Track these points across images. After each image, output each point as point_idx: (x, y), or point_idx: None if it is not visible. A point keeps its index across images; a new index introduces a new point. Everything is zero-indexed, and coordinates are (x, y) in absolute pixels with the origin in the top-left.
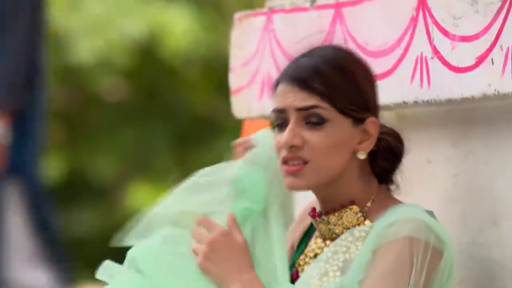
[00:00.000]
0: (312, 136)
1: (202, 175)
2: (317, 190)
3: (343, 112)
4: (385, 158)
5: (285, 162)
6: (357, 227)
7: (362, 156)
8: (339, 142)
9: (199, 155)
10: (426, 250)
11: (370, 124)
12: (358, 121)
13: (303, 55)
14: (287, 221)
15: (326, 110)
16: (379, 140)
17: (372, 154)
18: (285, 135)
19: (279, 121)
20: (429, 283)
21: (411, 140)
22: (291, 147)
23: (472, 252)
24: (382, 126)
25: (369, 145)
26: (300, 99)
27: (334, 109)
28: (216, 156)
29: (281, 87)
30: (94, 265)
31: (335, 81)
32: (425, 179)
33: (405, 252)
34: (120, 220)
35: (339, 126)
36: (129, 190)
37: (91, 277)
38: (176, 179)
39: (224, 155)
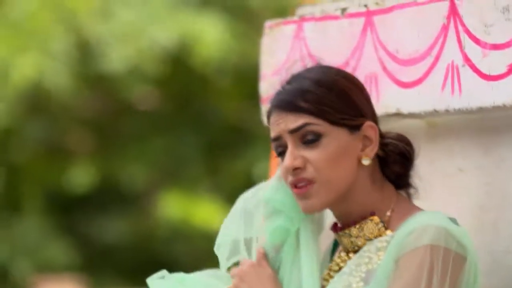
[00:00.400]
0: (312, 154)
1: (247, 199)
2: (332, 207)
3: (335, 123)
4: (396, 162)
5: (294, 186)
6: (379, 238)
7: (366, 162)
8: (339, 154)
9: (230, 163)
10: (448, 257)
11: (368, 129)
12: (354, 128)
13: (287, 82)
14: (319, 242)
15: (318, 125)
16: (385, 145)
17: (382, 161)
18: (285, 160)
19: (279, 149)
20: None
21: (443, 149)
22: (294, 170)
23: (505, 261)
24: (387, 133)
25: (372, 149)
26: (290, 122)
27: (326, 122)
28: (247, 164)
29: (272, 117)
30: (124, 272)
31: (320, 95)
32: (457, 187)
33: (426, 261)
34: (151, 228)
35: (336, 137)
36: (160, 199)
37: (122, 284)
38: (207, 187)
39: (255, 163)
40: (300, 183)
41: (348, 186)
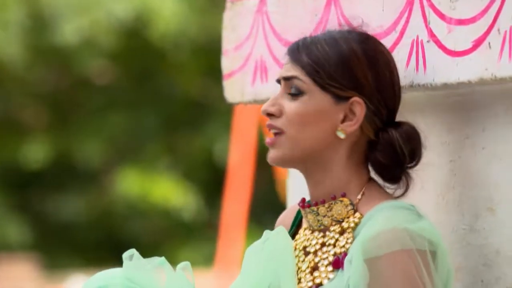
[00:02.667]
0: (289, 105)
1: (255, 253)
2: (304, 172)
3: (321, 86)
4: (382, 151)
5: (268, 132)
6: (346, 219)
7: (340, 134)
8: (314, 115)
9: (189, 140)
10: (421, 257)
11: (355, 104)
12: (340, 98)
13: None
14: None
15: (303, 82)
16: (384, 131)
17: (371, 145)
18: (265, 103)
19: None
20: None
21: None
22: (268, 115)
23: (469, 239)
24: (406, 124)
25: (351, 126)
26: (286, 69)
27: (313, 82)
28: (207, 141)
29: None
30: (81, 251)
31: (321, 55)
32: (421, 164)
33: (406, 268)
34: (108, 205)
35: (316, 99)
36: (117, 175)
37: (78, 262)
38: (166, 164)
39: (215, 140)
40: (270, 130)
41: (316, 149)
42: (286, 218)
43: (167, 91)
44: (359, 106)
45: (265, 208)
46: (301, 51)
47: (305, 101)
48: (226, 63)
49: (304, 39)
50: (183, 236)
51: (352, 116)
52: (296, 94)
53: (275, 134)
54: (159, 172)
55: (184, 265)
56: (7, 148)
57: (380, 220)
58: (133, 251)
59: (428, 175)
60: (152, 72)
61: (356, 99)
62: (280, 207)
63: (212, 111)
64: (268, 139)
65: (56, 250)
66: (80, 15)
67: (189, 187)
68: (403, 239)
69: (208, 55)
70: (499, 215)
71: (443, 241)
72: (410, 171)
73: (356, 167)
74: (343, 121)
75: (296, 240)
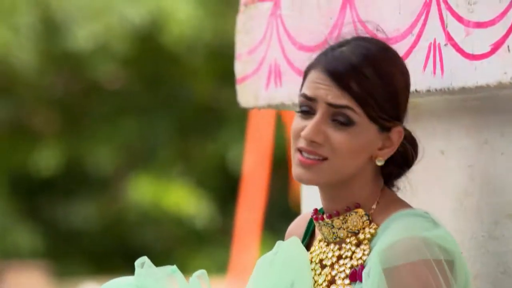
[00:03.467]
0: (336, 136)
1: (267, 263)
2: (326, 189)
3: (373, 119)
4: (397, 164)
5: (300, 152)
6: (362, 231)
7: (380, 162)
8: (361, 147)
9: (202, 146)
10: (438, 267)
11: (396, 133)
12: (385, 129)
13: (341, 45)
14: None
15: (357, 114)
16: (400, 145)
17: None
18: (309, 128)
19: (305, 107)
20: None
21: (424, 130)
22: (312, 142)
23: (488, 247)
24: (404, 129)
25: (389, 153)
26: (333, 94)
27: (365, 114)
28: (220, 147)
29: (315, 75)
30: (92, 258)
31: (373, 86)
32: (439, 170)
33: (425, 279)
34: (120, 212)
35: (365, 131)
36: (129, 182)
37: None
38: (179, 171)
39: (229, 146)
40: (310, 155)
41: (350, 176)
42: (297, 227)
43: (180, 96)
44: (398, 135)
45: (279, 215)
46: (348, 77)
47: (355, 132)
48: (240, 67)
49: (343, 57)
50: (195, 244)
51: (388, 142)
52: (345, 124)
53: (314, 159)
54: (171, 179)
55: (200, 273)
56: (18, 154)
57: (397, 229)
58: (144, 259)
59: (446, 180)
60: (165, 77)
61: (398, 129)
62: (294, 214)
63: (226, 116)
64: (304, 159)
65: (67, 257)
66: (92, 20)
67: (202, 194)
68: (420, 248)
69: (222, 59)
70: None
71: (462, 248)
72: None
73: (373, 180)
74: (380, 147)
75: (311, 253)
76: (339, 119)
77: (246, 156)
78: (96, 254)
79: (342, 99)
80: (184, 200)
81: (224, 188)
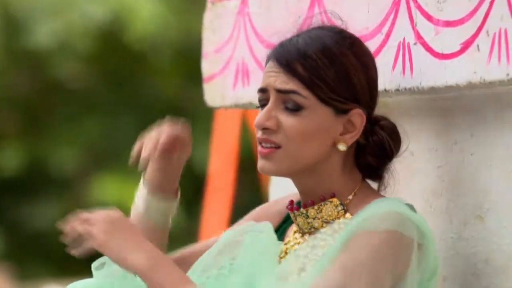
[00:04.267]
0: (287, 121)
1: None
2: (296, 179)
3: (323, 101)
4: (373, 154)
5: (259, 143)
6: (337, 221)
7: (342, 147)
8: (315, 131)
9: None
10: (408, 245)
11: (356, 116)
12: (341, 111)
13: (297, 35)
14: None
15: (304, 97)
16: (370, 133)
17: (360, 147)
18: (259, 116)
19: (262, 102)
20: (406, 279)
21: None
22: (264, 129)
23: (457, 248)
24: (383, 119)
25: (352, 137)
26: (280, 80)
27: (314, 97)
28: None
29: (267, 65)
30: (54, 261)
31: (320, 66)
32: (408, 171)
33: (383, 246)
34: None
35: (318, 114)
36: (94, 182)
37: (51, 273)
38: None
39: (195, 146)
40: (266, 144)
41: (315, 163)
42: (267, 215)
43: (145, 95)
44: (359, 117)
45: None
46: (295, 61)
47: (306, 116)
48: (206, 66)
49: (292, 44)
50: None
51: (351, 127)
52: (295, 109)
53: (270, 147)
54: (137, 179)
55: None
56: None
57: (378, 206)
58: (104, 259)
59: (415, 181)
60: (129, 76)
61: (356, 111)
62: None
63: (192, 115)
64: (262, 149)
65: (29, 260)
66: (53, 17)
67: None
68: (395, 221)
69: (188, 58)
70: (488, 223)
71: None
72: (394, 169)
73: (349, 171)
74: (342, 132)
75: (286, 244)
76: (289, 105)
77: (212, 156)
78: (59, 256)
79: (289, 84)
80: None
81: (191, 189)
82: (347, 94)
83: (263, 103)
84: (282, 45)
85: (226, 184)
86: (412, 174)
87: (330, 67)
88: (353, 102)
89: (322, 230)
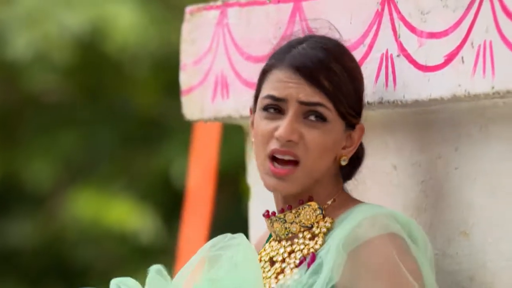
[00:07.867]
0: (309, 133)
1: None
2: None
3: (342, 115)
4: (352, 162)
5: (272, 157)
6: (316, 224)
7: (344, 162)
8: (331, 144)
9: (146, 159)
10: (402, 242)
11: (358, 131)
12: (351, 126)
13: (299, 42)
14: None
15: (329, 110)
16: None
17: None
18: (284, 128)
19: (272, 108)
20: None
21: (376, 144)
22: (288, 142)
23: (441, 265)
24: None
25: (352, 151)
26: (305, 93)
27: (336, 111)
28: (164, 161)
29: (281, 74)
30: (28, 279)
31: (342, 81)
32: (391, 186)
33: (389, 250)
34: (58, 230)
35: (335, 128)
36: (69, 198)
37: None
38: (121, 185)
39: (173, 160)
40: (285, 156)
41: (321, 176)
42: (260, 243)
43: (123, 108)
44: (360, 132)
45: (225, 230)
46: (319, 73)
47: (327, 129)
48: (185, 78)
49: (309, 53)
50: (139, 262)
51: (350, 141)
52: (317, 121)
53: (288, 161)
54: (114, 194)
55: (157, 268)
56: None
57: (365, 209)
58: (119, 281)
59: (399, 196)
60: (106, 88)
61: (361, 126)
62: (241, 229)
63: (171, 129)
64: (280, 169)
65: (2, 278)
66: (30, 28)
67: (146, 210)
68: (383, 223)
69: (166, 70)
70: (473, 239)
71: None
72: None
73: (334, 178)
74: (344, 146)
75: (260, 253)
76: (312, 117)
77: (191, 170)
78: (33, 274)
79: (314, 96)
80: (127, 215)
81: (169, 203)
82: (358, 109)
83: (272, 111)
84: (296, 53)
85: (205, 198)
86: (395, 189)
87: (350, 82)
88: (359, 117)
89: (300, 235)
